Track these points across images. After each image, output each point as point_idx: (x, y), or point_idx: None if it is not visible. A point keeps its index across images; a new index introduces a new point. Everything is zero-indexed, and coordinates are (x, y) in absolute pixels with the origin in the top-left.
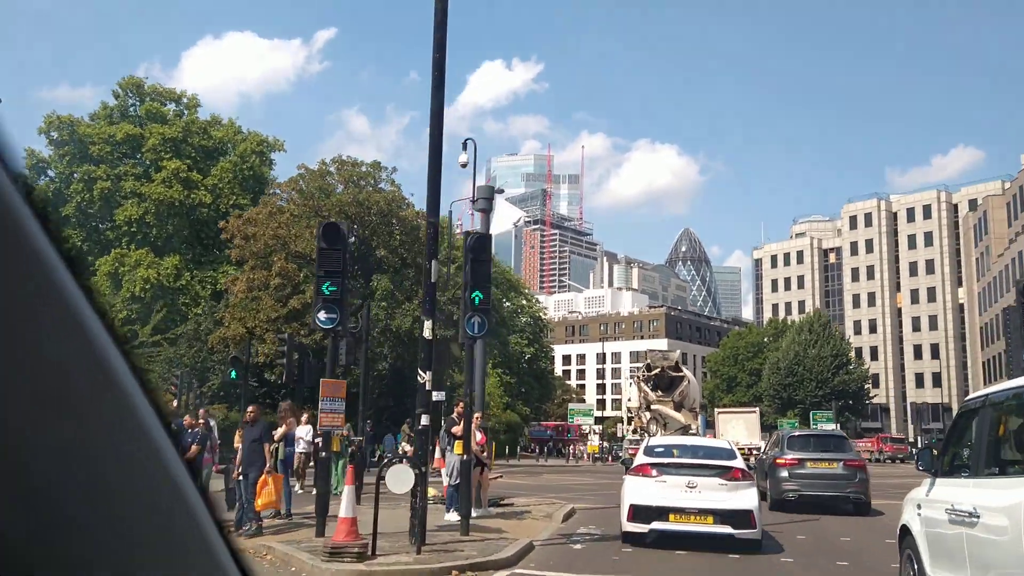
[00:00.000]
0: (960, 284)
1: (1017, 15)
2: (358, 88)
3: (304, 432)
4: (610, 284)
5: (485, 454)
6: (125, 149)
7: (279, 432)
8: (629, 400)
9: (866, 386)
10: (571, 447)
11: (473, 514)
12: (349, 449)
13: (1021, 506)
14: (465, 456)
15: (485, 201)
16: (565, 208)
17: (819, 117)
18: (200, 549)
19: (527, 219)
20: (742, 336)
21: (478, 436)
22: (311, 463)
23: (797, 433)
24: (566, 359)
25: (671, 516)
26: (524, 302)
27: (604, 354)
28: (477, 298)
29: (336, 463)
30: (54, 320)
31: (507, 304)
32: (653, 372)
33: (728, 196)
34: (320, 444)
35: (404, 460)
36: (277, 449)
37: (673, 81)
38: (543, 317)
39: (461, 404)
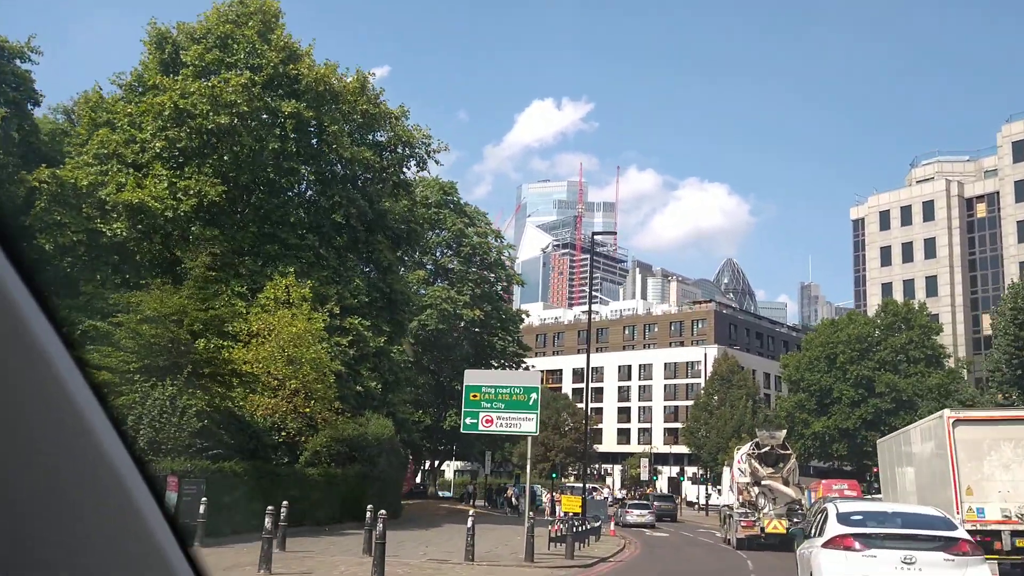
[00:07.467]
0: None
1: None
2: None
3: None
4: (643, 299)
5: None
6: None
7: None
8: (733, 476)
9: None
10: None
11: None
12: None
13: None
14: None
15: None
16: None
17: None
18: (150, 550)
19: (556, 243)
20: (839, 327)
21: None
22: None
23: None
24: (576, 374)
25: None
26: (475, 234)
27: (629, 367)
28: None
29: None
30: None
31: (428, 215)
32: (762, 450)
33: (778, 239)
34: None
35: None
36: None
37: (726, 117)
38: (509, 265)
39: None
